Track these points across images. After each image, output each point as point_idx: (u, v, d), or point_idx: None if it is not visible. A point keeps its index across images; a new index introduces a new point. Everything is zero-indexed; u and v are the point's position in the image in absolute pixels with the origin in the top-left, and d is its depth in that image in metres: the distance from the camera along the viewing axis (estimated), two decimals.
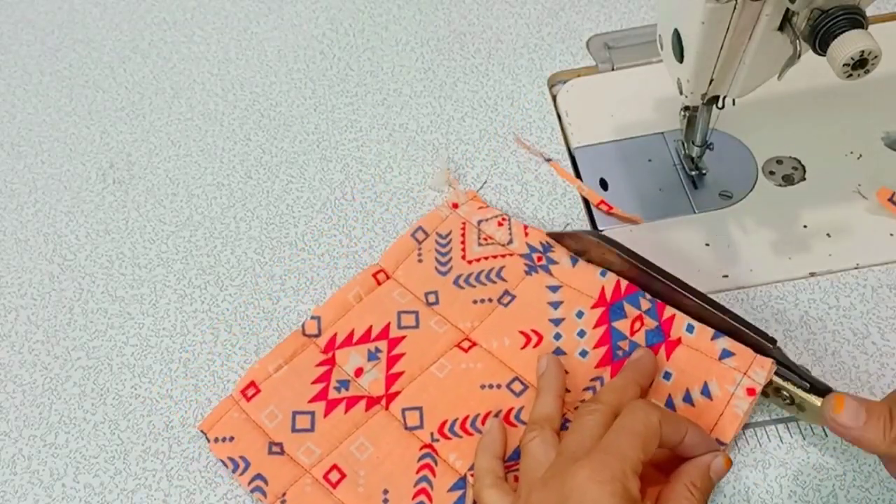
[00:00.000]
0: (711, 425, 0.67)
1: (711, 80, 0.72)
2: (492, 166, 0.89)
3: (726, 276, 0.78)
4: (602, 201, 0.84)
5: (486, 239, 0.82)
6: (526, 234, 0.81)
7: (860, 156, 0.84)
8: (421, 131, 0.93)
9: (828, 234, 0.79)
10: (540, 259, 0.80)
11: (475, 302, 0.79)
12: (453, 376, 0.75)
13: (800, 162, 0.84)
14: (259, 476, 0.71)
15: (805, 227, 0.80)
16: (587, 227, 0.84)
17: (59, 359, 0.81)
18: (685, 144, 0.84)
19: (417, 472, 0.70)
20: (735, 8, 0.65)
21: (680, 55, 0.72)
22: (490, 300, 0.78)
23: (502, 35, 1.02)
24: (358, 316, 0.79)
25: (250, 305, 0.82)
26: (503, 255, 0.81)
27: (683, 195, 0.84)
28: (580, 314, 0.76)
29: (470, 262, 0.81)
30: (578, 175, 0.88)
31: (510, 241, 0.81)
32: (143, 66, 1.05)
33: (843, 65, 0.63)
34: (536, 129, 0.92)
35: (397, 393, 0.74)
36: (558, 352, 0.74)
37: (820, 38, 0.64)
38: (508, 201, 0.86)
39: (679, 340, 0.71)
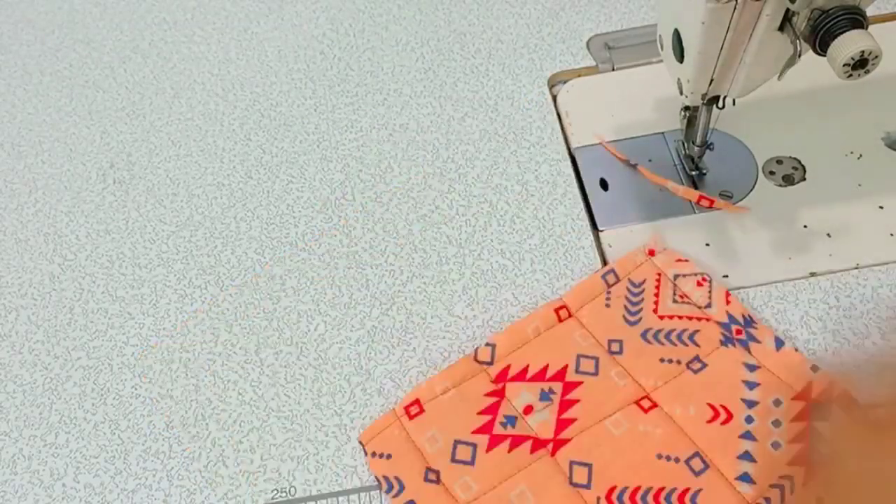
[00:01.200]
0: None
1: (711, 81, 0.72)
2: (492, 166, 0.89)
3: (726, 276, 0.78)
4: (702, 196, 0.82)
5: (682, 297, 0.77)
6: (728, 303, 0.75)
7: (860, 156, 0.84)
8: (421, 131, 0.94)
9: (828, 234, 0.79)
10: (739, 332, 0.74)
11: (662, 361, 0.73)
12: (629, 437, 0.69)
13: (800, 162, 0.84)
14: (412, 502, 0.68)
15: (805, 227, 0.80)
16: (587, 227, 0.84)
17: (59, 359, 0.81)
18: (685, 144, 0.84)
19: None
20: (735, 8, 0.65)
21: (680, 55, 0.72)
22: (679, 362, 0.72)
23: (502, 35, 1.02)
24: (534, 351, 0.75)
25: (251, 305, 0.82)
26: (699, 318, 0.75)
27: None
28: (778, 402, 0.69)
29: (662, 317, 0.75)
30: (578, 175, 0.88)
31: (708, 305, 0.75)
32: (143, 66, 1.05)
33: (844, 65, 0.63)
34: (536, 129, 0.92)
35: (566, 441, 0.70)
36: (747, 435, 0.68)
37: (820, 38, 0.64)
38: (508, 201, 0.86)
39: None
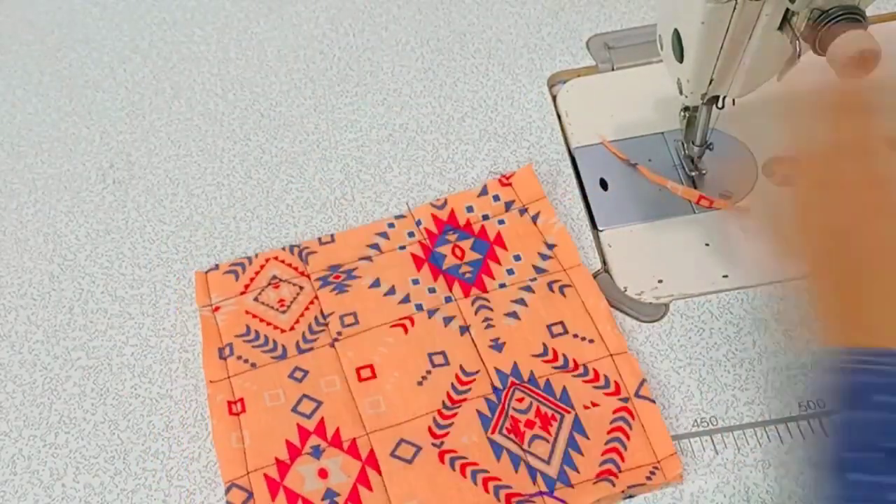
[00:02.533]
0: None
1: (711, 80, 0.72)
2: (492, 166, 0.89)
3: (726, 276, 0.78)
4: (702, 196, 0.83)
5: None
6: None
7: None
8: (421, 131, 0.94)
9: None
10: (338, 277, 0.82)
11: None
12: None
13: None
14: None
15: None
16: (587, 226, 0.84)
17: (59, 359, 0.81)
18: (685, 144, 0.84)
19: None
20: (735, 8, 0.65)
21: (680, 55, 0.72)
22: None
23: (502, 35, 1.02)
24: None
25: None
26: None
27: None
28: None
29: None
30: (578, 175, 0.88)
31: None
32: (142, 66, 1.05)
33: (844, 65, 0.63)
34: (536, 129, 0.92)
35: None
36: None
37: (820, 38, 0.64)
38: None
39: None
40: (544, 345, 0.76)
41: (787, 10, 0.65)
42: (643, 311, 0.78)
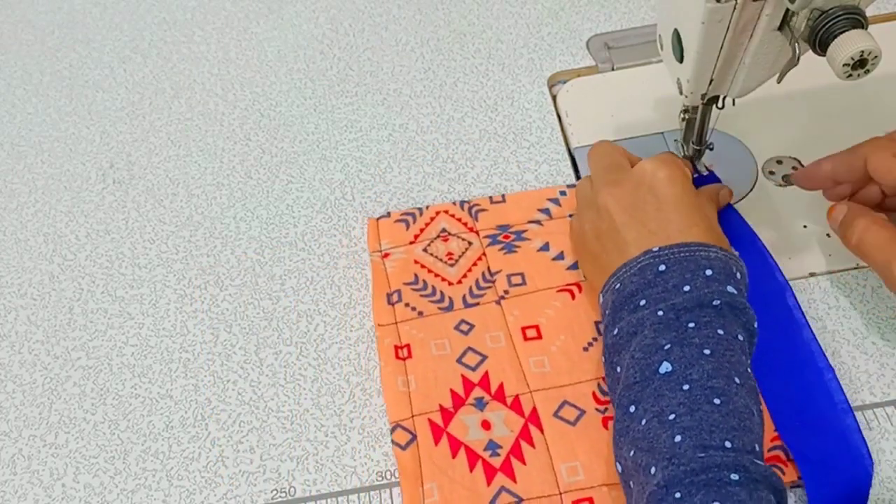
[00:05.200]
0: None
1: (711, 81, 0.72)
2: (492, 166, 0.89)
3: None
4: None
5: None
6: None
7: None
8: (421, 131, 0.94)
9: (827, 235, 0.80)
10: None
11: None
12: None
13: (800, 162, 0.85)
14: None
15: (805, 227, 0.81)
16: None
17: (58, 359, 0.81)
18: (685, 145, 0.84)
19: None
20: (735, 8, 0.65)
21: (680, 55, 0.72)
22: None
23: (502, 35, 1.02)
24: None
25: (250, 305, 0.82)
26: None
27: None
28: None
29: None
30: (578, 175, 0.88)
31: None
32: (143, 66, 1.05)
33: (843, 65, 0.63)
34: (536, 129, 0.92)
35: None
36: None
37: (819, 39, 0.64)
38: None
39: None
40: None
41: (787, 10, 0.65)
42: None
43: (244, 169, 0.93)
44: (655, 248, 0.67)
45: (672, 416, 0.60)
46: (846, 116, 0.88)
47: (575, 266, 0.80)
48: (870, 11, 0.65)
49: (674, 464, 0.58)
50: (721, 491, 0.56)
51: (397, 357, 0.76)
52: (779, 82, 0.70)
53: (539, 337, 0.76)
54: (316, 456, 0.73)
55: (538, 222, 0.84)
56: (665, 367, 0.62)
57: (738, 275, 0.67)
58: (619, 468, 0.64)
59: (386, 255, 0.83)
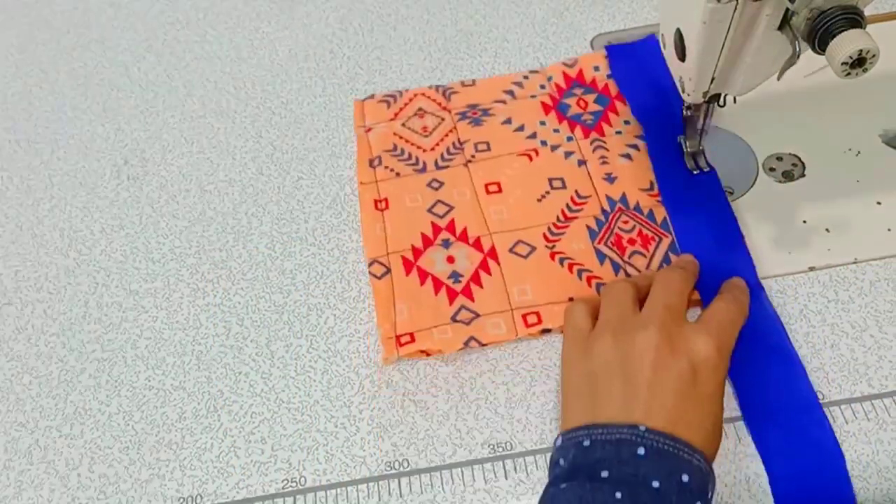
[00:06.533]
0: None
1: (713, 79, 0.73)
2: None
3: None
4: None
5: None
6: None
7: (859, 153, 0.85)
8: None
9: (827, 230, 0.80)
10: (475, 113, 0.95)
11: None
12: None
13: (799, 159, 0.85)
14: None
15: (804, 222, 0.81)
16: None
17: (74, 351, 0.82)
18: (686, 142, 0.84)
19: None
20: (736, 8, 0.66)
21: (682, 54, 0.73)
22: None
23: (508, 34, 1.03)
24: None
25: (262, 299, 0.83)
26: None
27: None
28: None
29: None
30: None
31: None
32: (156, 64, 1.06)
33: (842, 64, 0.64)
34: None
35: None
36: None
37: (819, 38, 0.65)
38: None
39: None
40: (651, 182, 0.86)
41: (787, 10, 0.66)
42: None
43: (256, 165, 0.94)
44: (642, 427, 0.63)
45: None
46: (845, 114, 0.88)
47: (534, 135, 0.92)
48: (868, 11, 0.66)
49: None
50: None
51: (376, 208, 0.87)
52: (778, 80, 0.71)
53: (499, 191, 0.87)
54: (326, 446, 0.74)
55: (503, 101, 0.95)
56: None
57: (710, 494, 0.63)
58: None
59: (369, 130, 0.94)
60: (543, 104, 0.94)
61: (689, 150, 0.84)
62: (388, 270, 0.82)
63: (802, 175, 0.84)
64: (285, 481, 0.72)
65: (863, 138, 0.86)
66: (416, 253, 0.83)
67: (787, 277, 0.78)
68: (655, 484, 0.60)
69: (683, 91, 0.76)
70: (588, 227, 0.83)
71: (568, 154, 0.89)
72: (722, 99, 0.77)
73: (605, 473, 0.61)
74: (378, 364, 0.78)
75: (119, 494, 0.73)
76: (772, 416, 0.70)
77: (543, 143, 0.90)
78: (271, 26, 1.09)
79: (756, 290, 0.76)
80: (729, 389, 0.72)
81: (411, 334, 0.78)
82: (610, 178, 0.86)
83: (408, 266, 0.82)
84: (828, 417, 0.70)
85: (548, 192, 0.87)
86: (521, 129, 0.92)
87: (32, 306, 0.85)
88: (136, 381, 0.79)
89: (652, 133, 0.88)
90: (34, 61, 1.09)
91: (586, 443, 0.64)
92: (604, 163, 0.88)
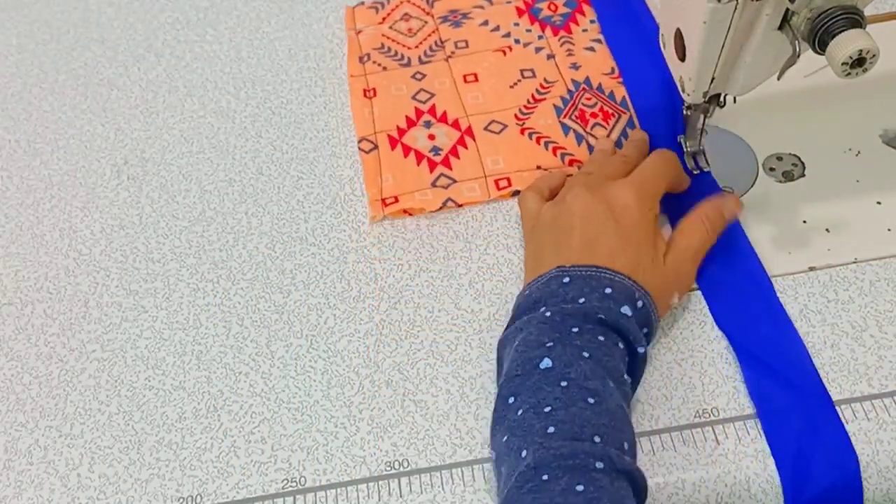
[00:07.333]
0: None
1: (713, 79, 0.73)
2: None
3: None
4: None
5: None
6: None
7: (859, 152, 0.85)
8: None
9: (826, 230, 0.80)
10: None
11: None
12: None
13: (799, 159, 0.85)
14: None
15: (804, 222, 0.81)
16: None
17: (74, 351, 0.82)
18: (687, 141, 0.84)
19: None
20: (736, 8, 0.66)
21: (682, 54, 0.73)
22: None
23: None
24: None
25: (262, 299, 0.83)
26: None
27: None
28: None
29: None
30: None
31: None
32: (156, 64, 1.06)
33: (842, 63, 0.64)
34: None
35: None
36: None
37: (819, 38, 0.65)
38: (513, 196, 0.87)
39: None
40: (612, 67, 0.97)
41: (787, 10, 0.66)
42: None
43: (256, 165, 0.94)
44: (568, 265, 0.72)
45: (548, 409, 0.64)
46: (845, 114, 0.88)
47: (508, 35, 1.02)
48: (868, 11, 0.66)
49: (544, 447, 0.61)
50: (585, 476, 0.60)
51: (365, 96, 0.98)
52: (779, 79, 0.71)
53: (476, 80, 0.98)
54: (326, 446, 0.73)
55: (481, 7, 1.06)
56: (546, 362, 0.66)
57: (640, 302, 0.70)
58: (493, 455, 0.67)
59: (359, 32, 1.05)
60: (518, 8, 1.05)
61: (689, 149, 0.84)
62: (376, 146, 0.93)
63: (802, 175, 0.84)
64: (285, 481, 0.72)
65: (863, 138, 0.86)
66: (401, 132, 0.93)
67: (788, 277, 0.78)
68: (581, 300, 0.69)
69: (683, 91, 0.76)
70: (555, 106, 0.94)
71: (538, 49, 1.00)
72: (722, 99, 0.77)
73: (542, 308, 0.70)
74: (378, 364, 0.78)
75: (119, 494, 0.73)
76: (784, 414, 0.70)
77: (517, 41, 1.01)
78: (271, 26, 1.09)
79: (766, 288, 0.78)
80: (742, 387, 0.73)
81: (396, 197, 0.88)
82: (575, 66, 0.97)
83: (393, 142, 0.93)
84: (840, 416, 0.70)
85: (519, 81, 0.97)
86: (496, 29, 1.03)
87: (32, 306, 0.85)
88: (135, 381, 0.79)
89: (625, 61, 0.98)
90: (34, 61, 1.09)
91: (527, 292, 0.73)
92: (570, 55, 0.98)
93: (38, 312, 0.85)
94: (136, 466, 0.74)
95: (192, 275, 0.86)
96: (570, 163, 0.89)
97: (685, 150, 0.84)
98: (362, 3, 1.08)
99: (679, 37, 0.72)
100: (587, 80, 0.95)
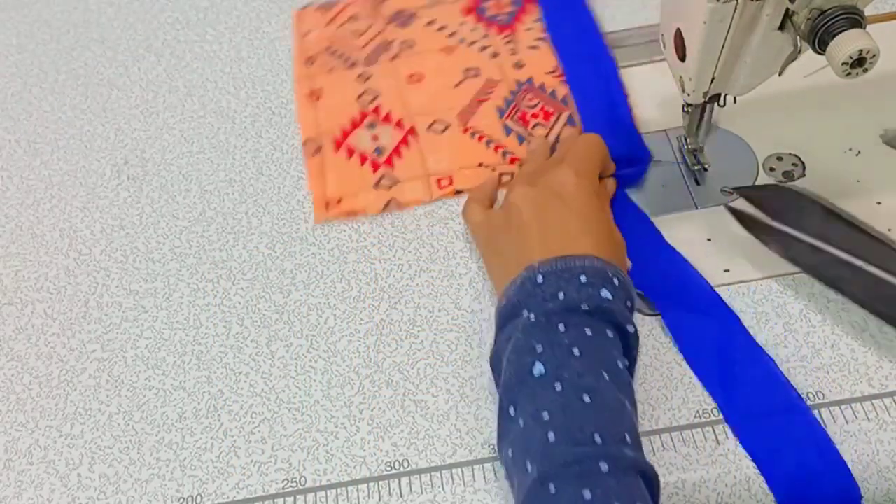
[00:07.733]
0: None
1: (713, 79, 0.73)
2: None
3: (727, 271, 0.79)
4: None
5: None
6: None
7: (859, 152, 0.85)
8: None
9: None
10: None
11: None
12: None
13: (800, 158, 0.85)
14: None
15: None
16: None
17: (74, 351, 0.82)
18: (687, 141, 0.85)
19: None
20: (736, 8, 0.66)
21: (682, 54, 0.73)
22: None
23: None
24: None
25: (262, 299, 0.83)
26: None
27: (686, 191, 0.85)
28: None
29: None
30: None
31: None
32: (156, 64, 1.06)
33: (842, 63, 0.64)
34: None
35: None
36: None
37: (819, 38, 0.65)
38: None
39: None
40: (555, 66, 0.98)
41: (787, 9, 0.66)
42: (647, 304, 0.78)
43: (255, 165, 0.94)
44: (535, 263, 0.71)
45: (546, 416, 0.63)
46: (845, 114, 0.88)
47: (453, 34, 1.03)
48: (868, 11, 0.66)
49: (547, 458, 0.61)
50: (591, 481, 0.60)
51: (310, 99, 0.99)
52: (780, 75, 0.71)
53: (421, 81, 0.99)
54: (326, 446, 0.74)
55: (428, 7, 1.07)
56: (538, 368, 0.66)
57: (616, 280, 0.70)
58: (504, 468, 0.68)
59: (307, 34, 1.06)
60: (464, 8, 1.07)
61: (689, 147, 0.84)
62: (320, 148, 0.94)
63: (802, 175, 0.84)
64: (285, 481, 0.72)
65: (863, 138, 0.86)
66: (345, 134, 0.95)
67: (788, 277, 0.78)
68: (561, 295, 0.68)
69: (683, 91, 0.76)
70: (497, 108, 0.95)
71: (483, 48, 1.01)
72: (722, 99, 0.77)
73: (525, 312, 0.69)
74: (378, 364, 0.78)
75: (119, 494, 0.73)
76: (753, 420, 0.71)
77: (462, 40, 1.03)
78: (271, 26, 1.09)
79: (713, 298, 0.78)
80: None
81: (339, 199, 0.89)
82: (519, 65, 0.99)
83: (337, 144, 0.94)
84: (814, 415, 0.70)
85: (463, 80, 0.98)
86: (442, 28, 1.04)
87: (32, 306, 0.86)
88: (136, 381, 0.79)
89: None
90: (34, 61, 1.09)
91: (504, 301, 0.72)
92: (513, 53, 1.00)
93: (38, 312, 0.85)
94: (136, 466, 0.74)
95: (193, 275, 0.86)
96: (512, 161, 0.90)
97: (686, 149, 0.84)
98: (311, 5, 1.10)
99: (679, 37, 0.73)
100: (529, 80, 0.97)
